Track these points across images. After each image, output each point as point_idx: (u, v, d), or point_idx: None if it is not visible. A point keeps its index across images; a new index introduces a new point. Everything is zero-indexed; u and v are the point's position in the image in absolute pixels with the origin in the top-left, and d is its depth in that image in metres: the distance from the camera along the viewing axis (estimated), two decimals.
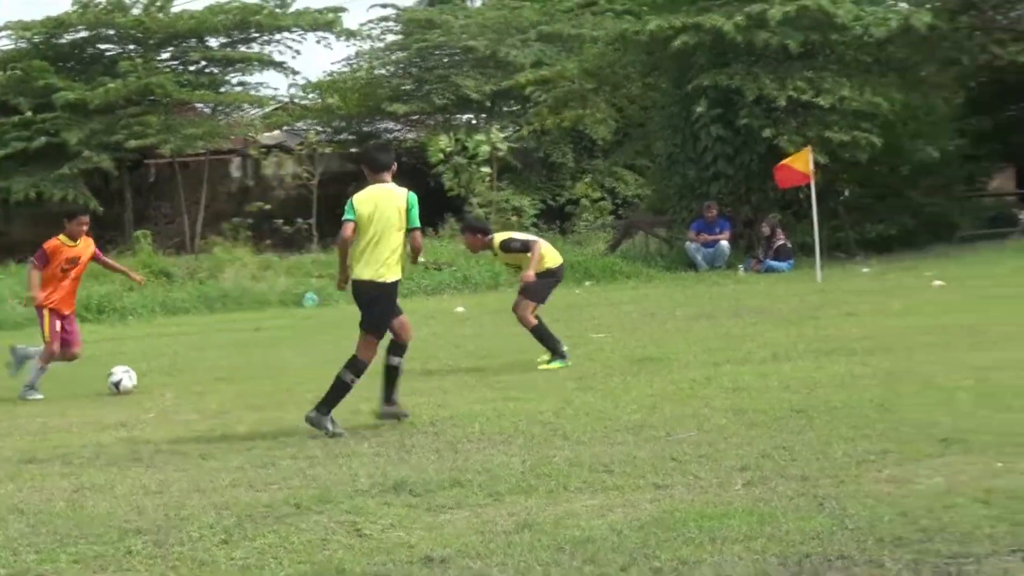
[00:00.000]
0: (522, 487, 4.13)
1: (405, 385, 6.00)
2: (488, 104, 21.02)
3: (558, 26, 20.31)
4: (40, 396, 7.56)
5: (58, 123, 19.13)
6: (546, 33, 20.31)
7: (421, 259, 6.74)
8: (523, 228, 14.16)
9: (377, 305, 5.61)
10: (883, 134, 15.17)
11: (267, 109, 22.99)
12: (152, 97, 19.95)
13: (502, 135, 18.59)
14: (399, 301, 5.78)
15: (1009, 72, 17.22)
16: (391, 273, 5.54)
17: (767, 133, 15.04)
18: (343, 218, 5.60)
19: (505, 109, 21.29)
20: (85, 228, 7.88)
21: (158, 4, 20.65)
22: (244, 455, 5.09)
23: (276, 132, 22.86)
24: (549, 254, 7.79)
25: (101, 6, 20.34)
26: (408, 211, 5.55)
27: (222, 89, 21.92)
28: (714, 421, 5.34)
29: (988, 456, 4.18)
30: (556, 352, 7.52)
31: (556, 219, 18.36)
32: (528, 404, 6.14)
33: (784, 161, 13.25)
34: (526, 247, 7.65)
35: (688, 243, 15.92)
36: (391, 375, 5.64)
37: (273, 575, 3.10)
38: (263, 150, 21.83)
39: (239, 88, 22.40)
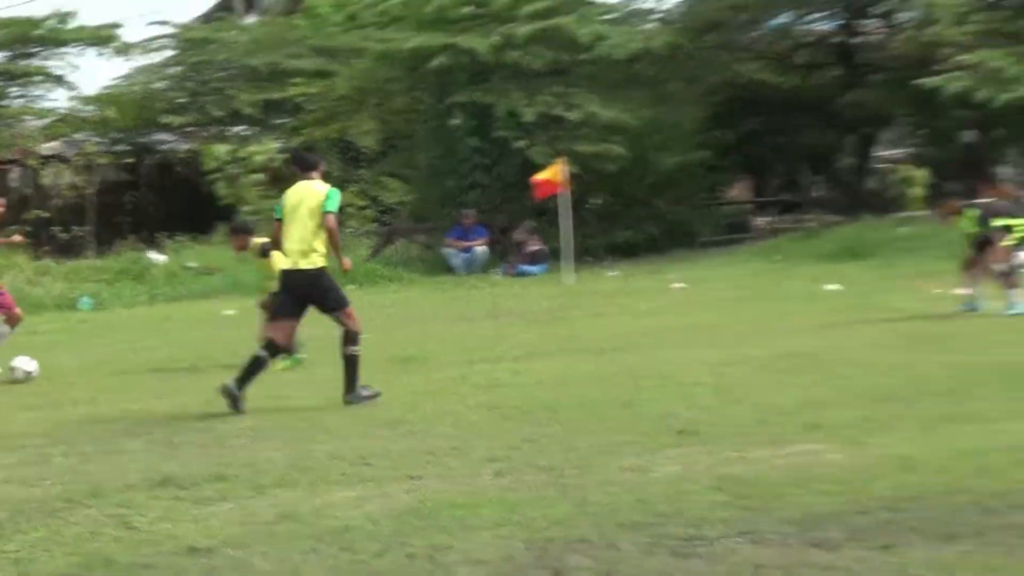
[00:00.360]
0: (284, 480, 4.31)
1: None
2: (260, 117, 21.31)
3: (331, 40, 20.81)
4: None
5: None
6: (318, 47, 20.77)
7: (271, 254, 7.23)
8: None
9: (328, 287, 6.25)
10: (631, 147, 16.07)
11: (46, 121, 23.42)
12: None
13: (274, 146, 18.74)
14: None
15: (749, 88, 18.86)
16: (319, 259, 6.10)
17: (520, 145, 15.88)
18: (275, 216, 6.39)
19: (278, 121, 21.61)
20: None
21: None
22: (18, 453, 5.18)
23: (55, 143, 23.12)
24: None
25: None
26: (325, 200, 6.10)
27: (3, 102, 22.60)
28: (468, 417, 5.63)
29: (721, 446, 4.58)
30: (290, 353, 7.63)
31: None
32: (292, 401, 6.44)
33: (539, 175, 14.09)
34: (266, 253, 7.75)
35: (445, 249, 16.62)
36: (254, 367, 6.03)
37: (44, 567, 3.20)
38: (41, 161, 22.13)
39: (20, 101, 23.06)
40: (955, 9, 15.32)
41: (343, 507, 3.94)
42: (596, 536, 3.25)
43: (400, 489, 4.20)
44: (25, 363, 7.98)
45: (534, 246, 16.27)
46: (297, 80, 20.04)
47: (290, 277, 6.29)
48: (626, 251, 17.03)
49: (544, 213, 15.70)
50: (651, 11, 19.28)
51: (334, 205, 6.20)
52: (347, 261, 6.95)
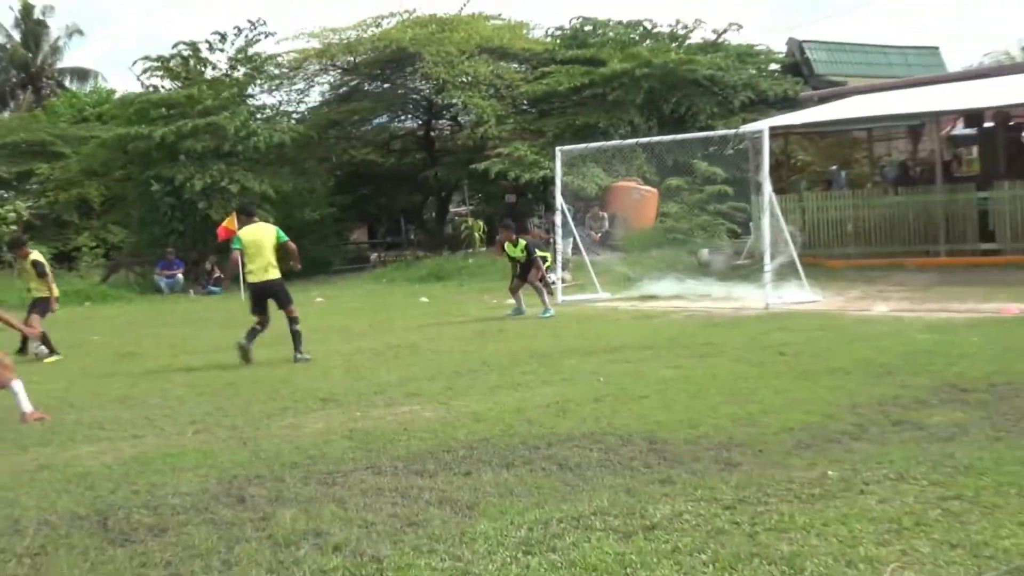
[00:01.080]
0: (43, 440, 6.17)
1: None
2: (16, 183, 28.20)
3: (64, 131, 28.92)
4: None
5: None
6: (56, 134, 28.58)
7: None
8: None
9: (281, 290, 9.89)
10: (281, 205, 22.97)
11: None
12: None
13: (25, 204, 25.84)
14: None
15: (362, 166, 27.88)
16: (276, 272, 9.80)
17: (202, 205, 22.69)
18: (232, 247, 10.33)
19: (32, 186, 28.25)
20: None
21: None
22: None
23: None
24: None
25: None
26: (277, 234, 9.83)
27: None
28: (174, 392, 8.15)
29: (350, 409, 6.98)
30: (53, 351, 11.32)
31: (66, 260, 25.11)
32: (44, 385, 8.58)
33: (223, 224, 18.87)
34: (43, 273, 11.52)
35: (156, 276, 23.42)
36: (295, 336, 9.73)
37: None
38: None
39: None
40: (496, 113, 23.02)
41: (86, 458, 5.57)
42: (268, 473, 4.91)
43: (127, 445, 5.95)
44: None
45: (216, 274, 22.77)
46: (41, 161, 27.15)
47: (261, 287, 9.82)
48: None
49: (224, 250, 19.53)
50: (292, 112, 27.82)
51: (284, 235, 9.96)
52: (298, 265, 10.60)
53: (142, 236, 25.32)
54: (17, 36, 35.01)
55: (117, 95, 30.64)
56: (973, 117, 17.12)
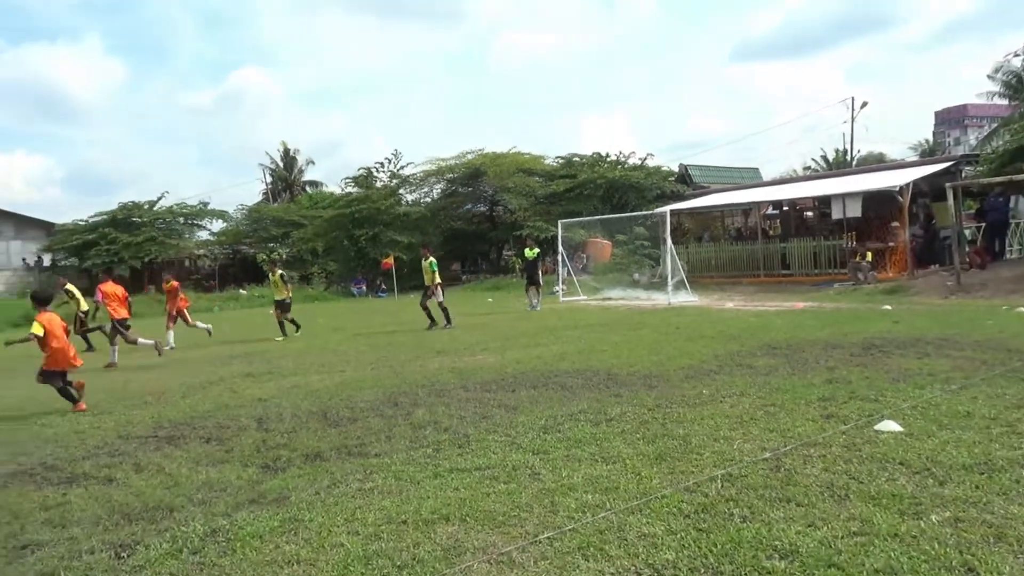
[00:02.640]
0: (293, 372, 10.23)
1: None
2: (280, 239, 47.33)
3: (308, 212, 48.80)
4: None
5: None
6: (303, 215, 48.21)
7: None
8: None
9: (426, 292, 17.91)
10: (414, 249, 34.79)
11: None
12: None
13: (285, 250, 44.89)
14: None
15: (457, 229, 44.60)
16: (427, 282, 17.94)
17: (370, 251, 40.03)
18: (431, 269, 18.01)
19: (288, 240, 47.10)
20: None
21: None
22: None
23: None
24: None
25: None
26: (431, 265, 17.85)
27: None
28: (360, 348, 12.56)
29: (452, 356, 11.77)
30: (291, 330, 18.04)
31: (304, 280, 41.54)
32: (293, 346, 13.56)
33: (384, 260, 34.00)
34: (286, 282, 18.65)
35: (352, 287, 40.67)
36: (445, 311, 17.62)
37: (197, 409, 8.12)
38: None
39: None
40: (523, 206, 39.67)
41: (315, 383, 9.78)
42: (409, 390, 8.63)
43: (336, 375, 10.24)
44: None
45: (383, 286, 39.17)
46: (293, 228, 46.49)
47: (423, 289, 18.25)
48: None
49: (385, 274, 38.57)
50: (421, 200, 46.20)
51: (436, 267, 17.69)
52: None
53: (343, 266, 42.22)
54: (281, 164, 63.78)
55: (330, 193, 52.67)
56: (777, 204, 30.81)
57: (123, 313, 14.65)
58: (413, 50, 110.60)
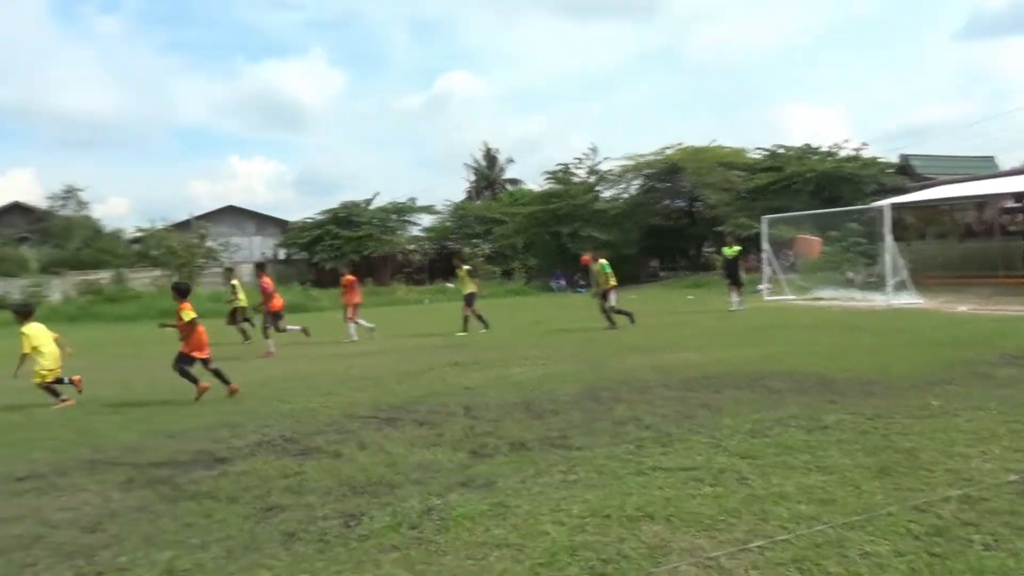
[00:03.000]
0: (495, 364, 10.05)
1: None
2: (481, 235, 49.75)
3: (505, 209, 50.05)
4: None
5: None
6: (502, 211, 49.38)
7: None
8: None
9: (604, 295, 17.21)
10: (611, 246, 32.71)
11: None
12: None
13: (487, 246, 47.31)
14: None
15: (655, 226, 43.86)
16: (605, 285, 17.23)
17: (570, 246, 39.65)
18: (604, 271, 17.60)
19: (489, 236, 48.76)
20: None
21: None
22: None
23: None
24: None
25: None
26: (604, 266, 17.55)
27: None
28: (558, 342, 12.54)
29: (650, 354, 11.29)
30: (486, 325, 18.10)
31: (506, 275, 43.42)
32: (496, 337, 12.26)
33: (584, 256, 24.44)
34: (475, 276, 19.35)
35: (552, 283, 40.79)
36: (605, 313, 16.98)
37: (404, 395, 8.41)
38: None
39: None
40: (723, 200, 38.05)
41: (517, 375, 10.02)
42: (608, 385, 8.63)
43: (538, 368, 10.50)
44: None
45: (580, 281, 38.38)
46: (494, 224, 47.98)
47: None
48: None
49: (584, 269, 31.20)
50: (619, 197, 44.48)
51: (609, 268, 17.29)
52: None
53: (543, 261, 43.13)
54: (483, 162, 65.93)
55: (530, 190, 52.68)
56: (1020, 197, 25.93)
57: (277, 306, 15.96)
58: (610, 48, 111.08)
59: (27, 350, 9.97)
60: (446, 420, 7.52)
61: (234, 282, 18.90)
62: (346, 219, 46.08)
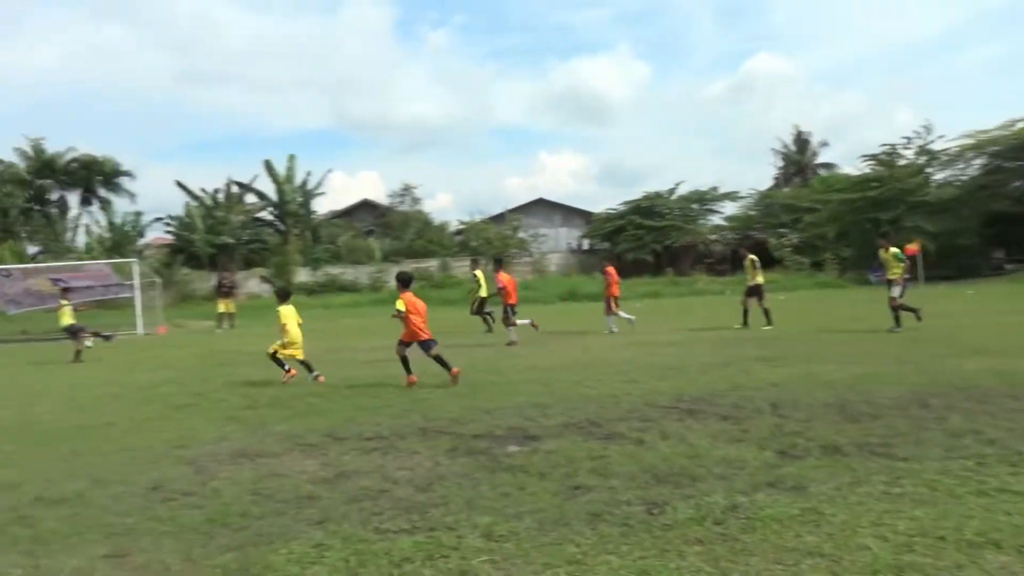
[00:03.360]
0: (802, 360, 8.91)
1: None
2: (789, 224, 46.86)
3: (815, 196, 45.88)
4: None
5: None
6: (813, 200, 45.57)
7: None
8: None
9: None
10: (939, 237, 34.58)
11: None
12: None
13: (795, 236, 44.42)
14: None
15: (999, 212, 38.69)
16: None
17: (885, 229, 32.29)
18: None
19: (798, 226, 45.53)
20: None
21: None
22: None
23: None
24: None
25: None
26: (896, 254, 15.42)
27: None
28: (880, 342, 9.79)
29: (996, 358, 8.81)
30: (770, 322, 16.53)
31: (816, 266, 41.34)
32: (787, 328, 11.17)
33: (909, 246, 22.68)
34: (756, 268, 17.74)
35: (869, 275, 34.89)
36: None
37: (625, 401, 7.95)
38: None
39: None
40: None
41: (828, 373, 9.31)
42: (940, 391, 7.67)
43: (854, 367, 9.29)
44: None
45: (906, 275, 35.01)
46: (804, 213, 44.73)
47: None
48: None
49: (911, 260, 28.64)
50: (953, 182, 40.61)
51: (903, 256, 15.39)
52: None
53: (859, 252, 38.43)
54: (792, 147, 61.61)
55: (845, 175, 48.14)
56: None
57: (512, 300, 16.47)
58: (942, 8, 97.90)
59: (286, 322, 11.45)
60: (751, 416, 7.25)
61: (477, 272, 20.20)
62: (648, 209, 46.38)
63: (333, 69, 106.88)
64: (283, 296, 12.09)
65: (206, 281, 43.29)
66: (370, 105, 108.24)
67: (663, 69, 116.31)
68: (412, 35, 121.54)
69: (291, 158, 49.09)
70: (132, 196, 49.89)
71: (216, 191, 49.14)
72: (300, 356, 11.42)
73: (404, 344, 10.55)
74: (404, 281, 10.76)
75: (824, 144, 62.01)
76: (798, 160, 60.91)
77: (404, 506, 4.98)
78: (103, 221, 48.11)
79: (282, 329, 11.43)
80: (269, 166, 48.56)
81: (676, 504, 4.71)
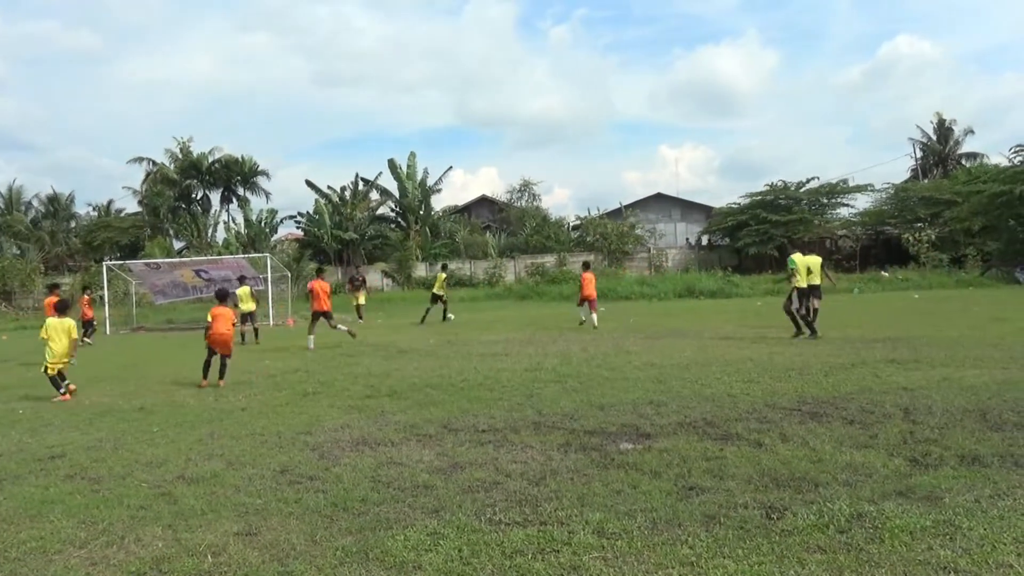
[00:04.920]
0: (943, 364, 8.15)
1: None
2: (928, 219, 43.03)
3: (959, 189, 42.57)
4: None
5: None
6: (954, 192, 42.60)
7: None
8: None
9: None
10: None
11: None
12: None
13: (933, 231, 41.41)
14: None
15: None
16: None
17: None
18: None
19: (939, 220, 42.71)
20: None
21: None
22: None
23: None
24: None
25: None
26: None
27: None
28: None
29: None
30: None
31: (956, 263, 38.79)
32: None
33: None
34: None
35: (1016, 273, 33.74)
36: None
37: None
38: None
39: None
40: None
41: (971, 378, 8.63)
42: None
43: (995, 374, 8.57)
44: None
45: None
46: (943, 207, 41.73)
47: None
48: None
49: None
50: None
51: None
52: None
53: (1006, 249, 36.40)
54: (933, 136, 56.11)
55: (994, 166, 45.48)
56: None
57: (326, 306, 16.78)
58: None
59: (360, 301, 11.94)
60: (880, 421, 6.87)
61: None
62: (773, 203, 44.66)
63: (457, 68, 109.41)
64: (221, 297, 12.56)
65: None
66: (491, 102, 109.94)
67: (793, 56, 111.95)
68: (534, 31, 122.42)
69: (412, 156, 50.48)
70: (267, 194, 52.83)
71: (343, 188, 51.22)
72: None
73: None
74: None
75: (969, 132, 57.37)
76: (939, 150, 56.75)
77: (517, 499, 5.03)
78: (240, 218, 51.15)
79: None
80: (392, 164, 50.11)
81: (797, 510, 4.53)
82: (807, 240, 42.69)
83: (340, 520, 4.76)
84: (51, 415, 9.30)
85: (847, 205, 46.43)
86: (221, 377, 11.27)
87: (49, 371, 10.69)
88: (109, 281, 29.68)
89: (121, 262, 34.08)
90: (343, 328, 17.24)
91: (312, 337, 16.36)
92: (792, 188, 45.57)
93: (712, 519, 4.46)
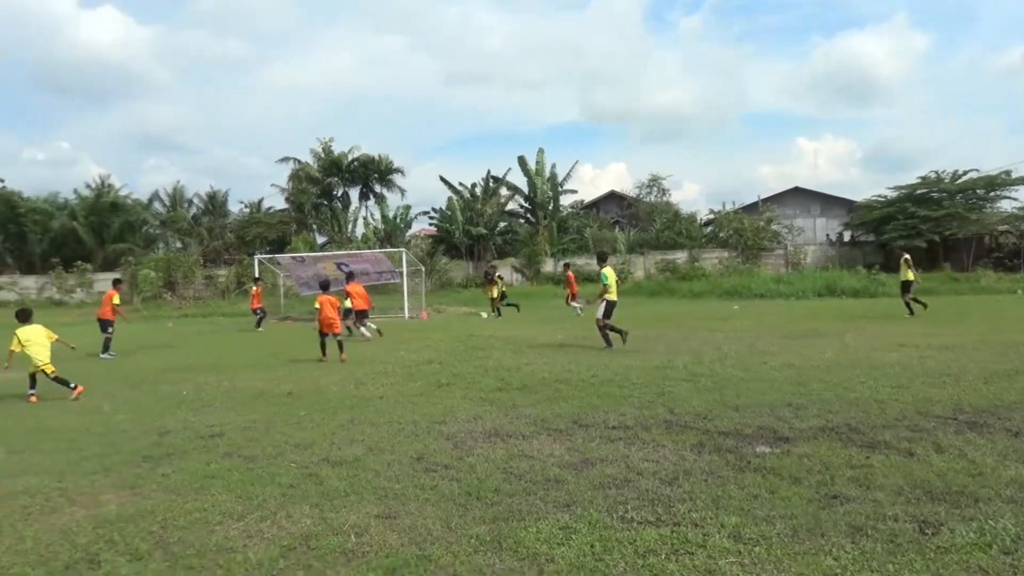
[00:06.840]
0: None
1: None
2: None
3: None
4: None
5: None
6: None
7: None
8: None
9: None
10: None
11: None
12: None
13: None
14: None
15: None
16: None
17: None
18: None
19: None
20: None
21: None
22: None
23: None
24: None
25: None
26: None
27: None
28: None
29: None
30: None
31: None
32: None
33: None
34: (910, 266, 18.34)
35: None
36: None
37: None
38: None
39: None
40: None
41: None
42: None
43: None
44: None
45: None
46: None
47: None
48: None
49: None
50: None
51: None
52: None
53: None
54: None
55: None
56: None
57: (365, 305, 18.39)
58: None
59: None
60: None
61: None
62: (924, 196, 41.73)
63: (584, 63, 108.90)
64: (325, 287, 13.92)
65: (463, 270, 46.28)
66: (619, 96, 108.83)
67: (945, 39, 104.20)
68: (663, 23, 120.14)
69: (540, 152, 50.78)
70: (402, 191, 54.71)
71: (473, 185, 52.29)
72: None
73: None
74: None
75: None
76: None
77: (649, 498, 4.97)
78: (377, 214, 53.25)
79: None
80: (522, 161, 50.64)
81: (954, 526, 4.23)
82: (961, 237, 39.63)
83: (474, 509, 4.88)
84: (211, 397, 10.06)
85: (1010, 198, 42.67)
86: (341, 351, 13.46)
87: (49, 371, 10.79)
88: (259, 273, 31.72)
89: (270, 255, 36.30)
90: (366, 334, 18.24)
91: (363, 330, 18.16)
92: (947, 180, 42.35)
93: (859, 530, 4.24)
